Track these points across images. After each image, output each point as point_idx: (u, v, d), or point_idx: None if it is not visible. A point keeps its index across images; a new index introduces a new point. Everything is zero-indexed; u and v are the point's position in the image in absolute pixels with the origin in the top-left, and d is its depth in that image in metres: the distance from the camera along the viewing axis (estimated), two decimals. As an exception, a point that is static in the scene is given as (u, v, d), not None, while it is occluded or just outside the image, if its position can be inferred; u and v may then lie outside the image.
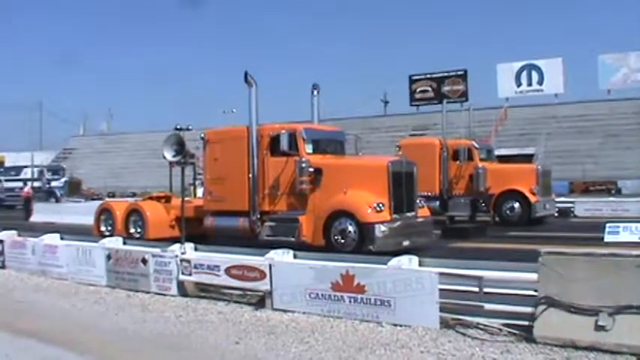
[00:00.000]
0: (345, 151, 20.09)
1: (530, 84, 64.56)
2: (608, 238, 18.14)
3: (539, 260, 9.04)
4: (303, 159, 17.63)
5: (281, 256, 12.04)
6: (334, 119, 67.49)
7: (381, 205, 16.63)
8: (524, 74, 64.59)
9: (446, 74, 65.86)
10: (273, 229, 18.17)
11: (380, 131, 65.11)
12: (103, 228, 22.31)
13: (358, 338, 9.55)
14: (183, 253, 13.13)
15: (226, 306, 11.99)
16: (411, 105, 70.14)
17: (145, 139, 76.25)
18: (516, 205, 25.95)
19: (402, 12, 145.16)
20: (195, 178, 29.01)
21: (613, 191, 44.90)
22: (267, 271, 11.48)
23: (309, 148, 18.29)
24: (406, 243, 16.77)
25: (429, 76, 68.48)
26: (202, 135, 20.20)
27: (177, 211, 20.44)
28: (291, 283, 11.20)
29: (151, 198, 23.44)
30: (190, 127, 32.76)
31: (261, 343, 9.55)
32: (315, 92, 20.89)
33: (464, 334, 9.40)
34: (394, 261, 10.68)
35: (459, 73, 64.98)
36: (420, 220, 17.99)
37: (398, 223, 16.93)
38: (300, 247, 14.29)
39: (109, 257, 14.35)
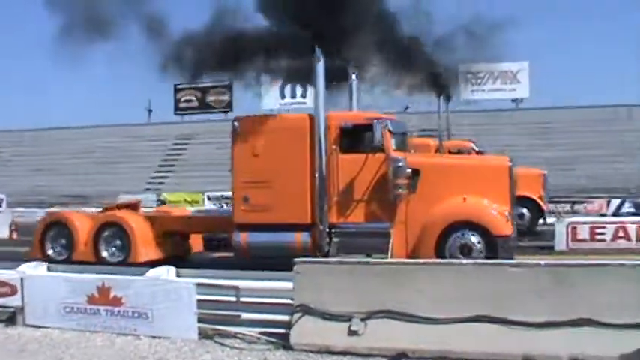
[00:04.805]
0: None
1: (294, 96, 65.77)
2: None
3: (293, 269, 9.25)
4: (399, 157, 14.30)
5: (34, 269, 11.45)
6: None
7: (508, 213, 14.23)
8: (288, 87, 65.77)
9: (211, 84, 65.72)
10: (349, 245, 14.59)
11: (144, 140, 64.04)
12: (50, 250, 17.31)
13: (115, 352, 9.33)
14: None
15: (-28, 325, 11.13)
16: (176, 114, 69.49)
17: None
18: (525, 212, 23.66)
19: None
20: None
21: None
22: (18, 285, 10.80)
23: (393, 144, 14.99)
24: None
25: (193, 85, 68.14)
26: (235, 124, 15.85)
27: (166, 225, 17.27)
28: (45, 298, 10.63)
29: (118, 207, 19.03)
30: None
31: (12, 361, 9.03)
32: (354, 76, 17.05)
33: (222, 344, 9.43)
34: (152, 272, 10.60)
35: (225, 83, 65.10)
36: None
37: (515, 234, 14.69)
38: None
39: None
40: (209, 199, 44.08)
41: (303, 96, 63.57)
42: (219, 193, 44.93)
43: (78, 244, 16.82)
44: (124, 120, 69.34)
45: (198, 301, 9.67)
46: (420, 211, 14.17)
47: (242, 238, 15.28)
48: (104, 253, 16.70)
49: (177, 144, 63.69)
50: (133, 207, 18.51)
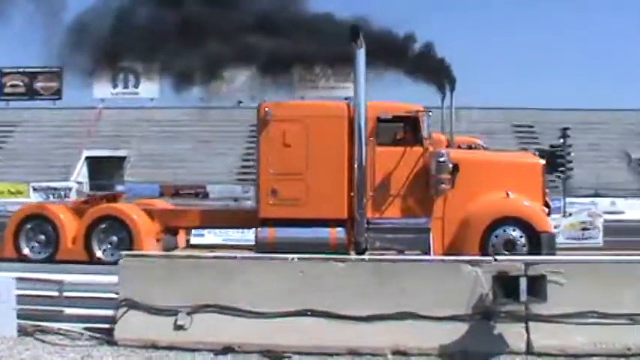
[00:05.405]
0: None
1: (126, 87, 64.61)
2: (194, 240, 18.85)
3: (119, 263, 9.11)
4: (442, 152, 14.11)
5: None
6: None
7: (546, 210, 14.29)
8: (120, 77, 64.37)
9: (39, 70, 63.10)
10: (384, 241, 14.18)
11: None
12: (26, 249, 15.45)
13: None
14: None
15: None
16: (0, 99, 66.26)
17: None
18: None
19: None
20: None
21: (201, 195, 47.05)
22: None
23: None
24: None
25: (21, 70, 65.20)
26: (266, 109, 14.57)
27: (170, 220, 16.12)
28: None
29: (96, 199, 17.16)
30: None
31: None
32: None
33: (43, 341, 9.08)
34: (-34, 266, 10.08)
35: (54, 70, 62.74)
36: None
37: None
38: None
39: None
40: (35, 189, 42.55)
41: (136, 86, 62.59)
42: (45, 184, 43.46)
43: (64, 241, 15.18)
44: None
45: (18, 296, 9.25)
46: (458, 206, 14.01)
47: (269, 234, 14.32)
48: (98, 253, 15.14)
49: (1, 131, 60.77)
50: (114, 199, 17.25)
